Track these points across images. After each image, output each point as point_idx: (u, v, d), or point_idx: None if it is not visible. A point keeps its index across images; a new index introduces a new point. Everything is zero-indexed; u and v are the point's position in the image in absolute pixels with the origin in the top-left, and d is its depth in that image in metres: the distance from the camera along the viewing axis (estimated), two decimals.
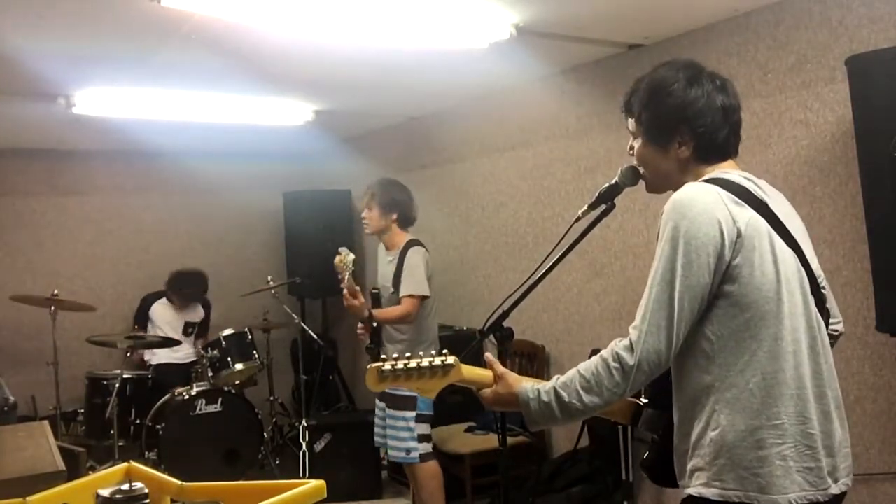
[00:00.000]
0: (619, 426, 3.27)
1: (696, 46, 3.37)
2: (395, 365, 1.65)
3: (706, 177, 1.61)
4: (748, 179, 1.62)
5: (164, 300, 5.60)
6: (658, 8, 3.14)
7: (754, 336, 1.50)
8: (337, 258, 3.48)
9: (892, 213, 2.39)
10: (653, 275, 1.53)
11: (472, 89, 4.57)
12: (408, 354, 1.68)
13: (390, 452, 3.78)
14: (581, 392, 1.54)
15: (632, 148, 1.76)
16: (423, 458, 3.69)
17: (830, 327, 1.73)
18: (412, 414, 3.66)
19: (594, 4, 3.05)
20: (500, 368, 1.70)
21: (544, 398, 1.58)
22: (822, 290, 1.64)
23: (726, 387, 1.52)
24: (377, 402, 3.91)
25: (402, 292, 3.67)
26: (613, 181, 1.82)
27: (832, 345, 1.76)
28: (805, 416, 1.50)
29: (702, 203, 1.52)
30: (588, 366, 1.56)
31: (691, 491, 1.56)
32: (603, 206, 1.86)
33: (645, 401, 1.75)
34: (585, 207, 1.87)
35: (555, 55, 3.81)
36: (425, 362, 1.65)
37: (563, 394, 1.56)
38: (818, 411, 1.52)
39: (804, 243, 1.62)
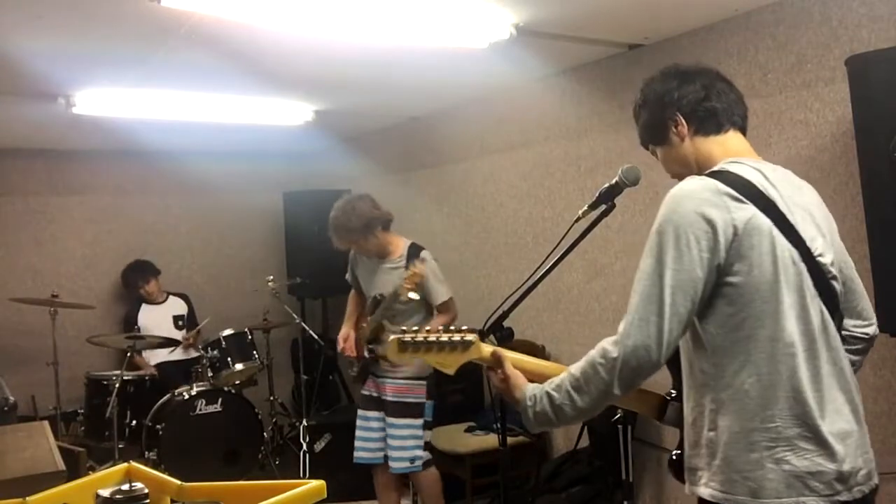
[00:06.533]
0: (619, 426, 3.27)
1: (696, 46, 3.36)
2: (416, 337, 1.64)
3: (713, 168, 1.58)
4: (758, 171, 1.56)
5: (143, 306, 5.58)
6: (658, 8, 3.14)
7: (750, 336, 1.47)
8: (413, 270, 3.37)
9: (892, 213, 2.39)
10: (642, 268, 1.50)
11: (472, 89, 4.57)
12: (427, 327, 1.67)
13: (392, 464, 3.66)
14: (571, 392, 1.52)
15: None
16: (425, 464, 3.69)
17: (859, 330, 1.70)
18: (420, 421, 3.62)
19: (594, 4, 3.05)
20: (510, 369, 1.66)
21: (538, 407, 1.57)
22: (833, 288, 1.55)
23: (722, 386, 1.49)
24: (361, 412, 3.77)
25: (439, 300, 3.61)
26: (613, 181, 1.83)
27: (863, 350, 1.72)
28: (803, 419, 1.45)
29: (695, 198, 1.49)
30: (578, 364, 1.54)
31: (694, 490, 1.55)
32: (603, 207, 1.86)
33: (673, 393, 1.71)
34: (586, 207, 1.87)
35: (555, 55, 3.81)
36: (445, 337, 1.65)
37: (556, 395, 1.54)
38: (820, 415, 1.46)
39: (816, 239, 1.55)
